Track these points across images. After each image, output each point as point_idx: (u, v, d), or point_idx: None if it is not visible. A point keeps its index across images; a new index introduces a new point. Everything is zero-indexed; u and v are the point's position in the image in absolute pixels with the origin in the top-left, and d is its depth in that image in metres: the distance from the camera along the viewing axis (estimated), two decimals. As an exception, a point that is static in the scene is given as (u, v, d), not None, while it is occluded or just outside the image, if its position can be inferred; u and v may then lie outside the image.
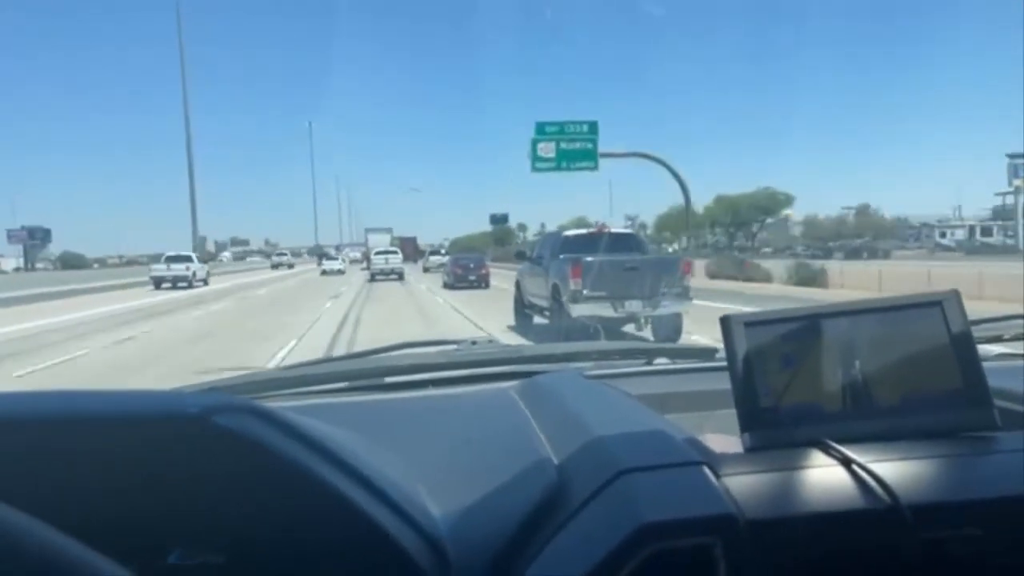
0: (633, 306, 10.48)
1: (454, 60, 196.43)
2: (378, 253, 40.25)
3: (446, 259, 41.90)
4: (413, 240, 78.75)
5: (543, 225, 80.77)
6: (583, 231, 12.83)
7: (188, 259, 34.37)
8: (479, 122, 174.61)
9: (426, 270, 43.97)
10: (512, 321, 13.33)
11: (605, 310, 10.41)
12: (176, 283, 32.08)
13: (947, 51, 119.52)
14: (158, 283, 32.18)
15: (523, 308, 13.29)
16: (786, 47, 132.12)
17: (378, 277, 35.79)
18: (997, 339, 1.53)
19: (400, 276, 35.84)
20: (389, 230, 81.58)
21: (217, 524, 0.63)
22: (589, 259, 10.70)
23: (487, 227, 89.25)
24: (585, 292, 10.50)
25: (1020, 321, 1.57)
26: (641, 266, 10.91)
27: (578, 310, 10.39)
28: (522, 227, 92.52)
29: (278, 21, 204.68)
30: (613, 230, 13.07)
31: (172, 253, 34.55)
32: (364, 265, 43.71)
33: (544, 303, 12.11)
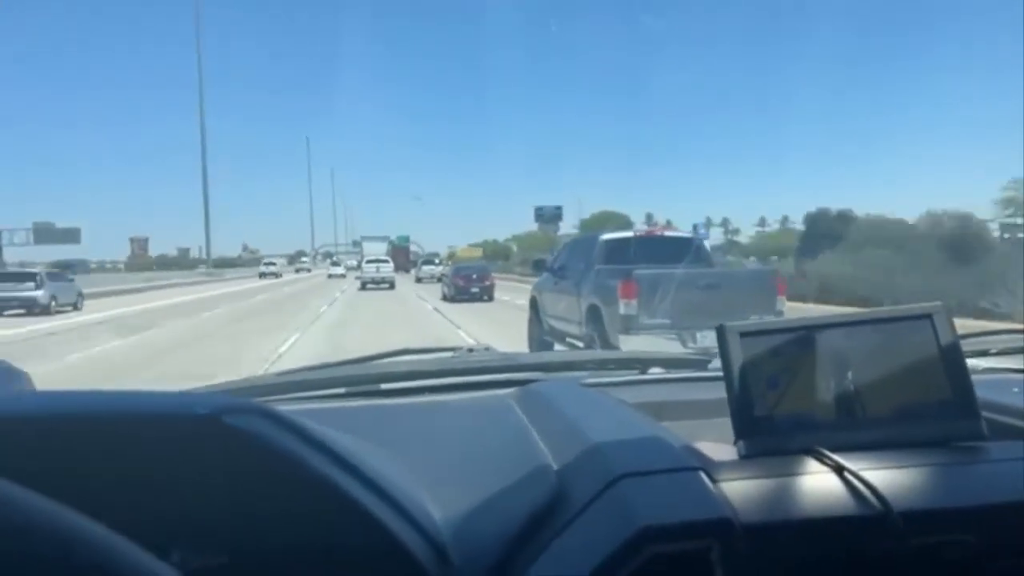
0: (708, 339, 7.25)
1: (462, 65, 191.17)
2: (369, 261, 39.59)
3: (439, 269, 39.26)
4: (405, 250, 75.37)
5: (648, 216, 58.94)
6: (628, 234, 9.55)
7: (274, 264, 61.99)
8: (493, 114, 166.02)
9: (419, 280, 41.56)
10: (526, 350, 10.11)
11: (669, 343, 7.22)
12: (268, 276, 55.24)
13: (929, 64, 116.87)
14: (261, 276, 55.16)
15: (542, 334, 10.09)
16: (785, 65, 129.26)
17: (369, 286, 35.05)
18: (983, 353, 1.47)
19: (391, 285, 35.18)
20: (386, 238, 79.22)
21: (223, 523, 0.63)
22: (647, 272, 7.50)
23: (528, 226, 69.82)
24: (642, 318, 7.31)
25: (1006, 336, 1.61)
26: (721, 283, 7.72)
27: (631, 342, 7.18)
28: (622, 219, 56.59)
29: (283, 24, 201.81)
30: (668, 233, 9.82)
31: (267, 260, 64.12)
32: (359, 272, 42.34)
33: (574, 329, 8.90)
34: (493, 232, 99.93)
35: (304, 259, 64.57)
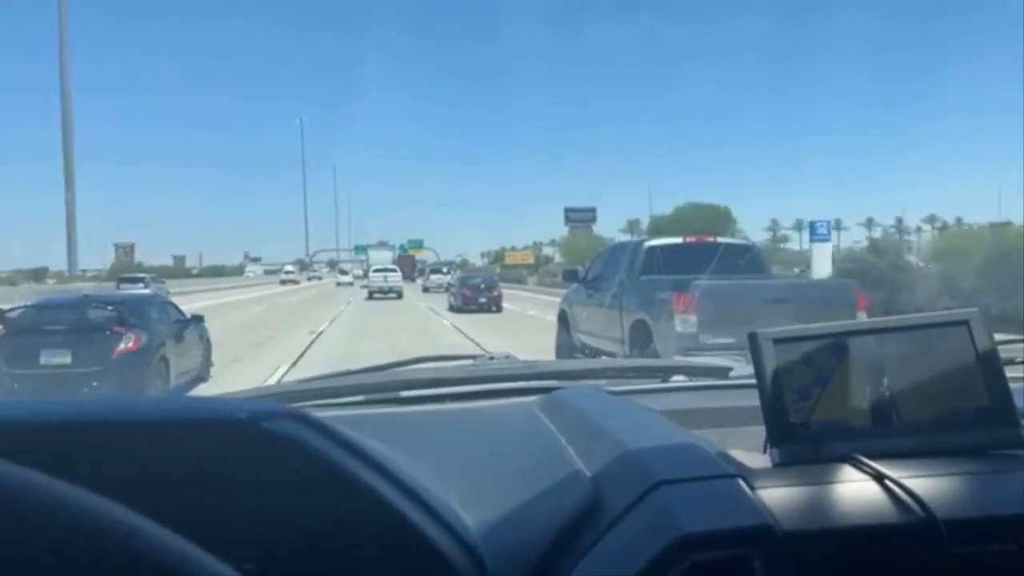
0: None
1: (482, 63, 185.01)
2: (376, 271, 38.75)
3: (448, 278, 38.21)
4: (411, 258, 73.78)
5: (731, 227, 40.68)
6: (676, 240, 8.56)
7: (293, 272, 72.95)
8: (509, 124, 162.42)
9: (426, 290, 40.67)
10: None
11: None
12: (288, 282, 65.82)
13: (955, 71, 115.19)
14: (282, 282, 65.09)
15: (572, 352, 9.10)
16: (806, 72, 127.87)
17: (376, 295, 34.06)
18: (1010, 362, 1.38)
19: (399, 295, 34.38)
20: (392, 246, 78.41)
21: (261, 526, 0.64)
22: (708, 282, 6.52)
23: (558, 232, 60.70)
24: (701, 336, 6.32)
25: None
26: (792, 296, 6.74)
27: None
28: (719, 212, 44.44)
29: (295, 32, 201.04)
30: (721, 240, 8.80)
31: (288, 267, 75.59)
32: (366, 281, 42.33)
33: (613, 347, 7.94)
34: (514, 239, 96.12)
35: (289, 268, 75.15)
